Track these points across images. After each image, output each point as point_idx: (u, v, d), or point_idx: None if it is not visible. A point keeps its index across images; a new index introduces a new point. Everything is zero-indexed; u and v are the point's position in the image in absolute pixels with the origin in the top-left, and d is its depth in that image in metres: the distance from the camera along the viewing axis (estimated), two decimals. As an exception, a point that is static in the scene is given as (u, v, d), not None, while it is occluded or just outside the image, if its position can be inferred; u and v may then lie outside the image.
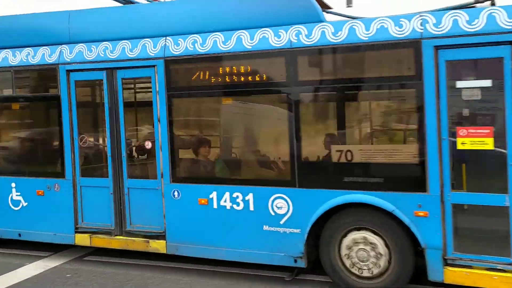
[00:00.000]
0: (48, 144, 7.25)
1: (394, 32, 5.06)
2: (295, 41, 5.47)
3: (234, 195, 5.80)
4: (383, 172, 5.19)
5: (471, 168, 4.91)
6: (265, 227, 5.70)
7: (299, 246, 5.54)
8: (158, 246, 6.27)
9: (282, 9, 5.72)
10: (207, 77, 5.95)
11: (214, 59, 5.86)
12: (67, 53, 6.68)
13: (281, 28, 5.58)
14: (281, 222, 5.62)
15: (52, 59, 6.75)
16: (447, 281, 4.99)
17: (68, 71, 6.66)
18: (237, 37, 5.75)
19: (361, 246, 5.32)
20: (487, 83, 4.77)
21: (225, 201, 5.85)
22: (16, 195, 7.07)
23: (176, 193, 6.11)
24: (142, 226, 6.42)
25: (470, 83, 4.84)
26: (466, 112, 4.91)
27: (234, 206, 5.81)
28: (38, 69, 6.90)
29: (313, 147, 5.63)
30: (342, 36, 5.27)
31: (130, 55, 6.30)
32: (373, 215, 5.27)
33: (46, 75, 6.98)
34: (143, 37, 6.29)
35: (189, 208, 6.05)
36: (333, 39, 5.31)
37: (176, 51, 6.04)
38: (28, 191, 6.98)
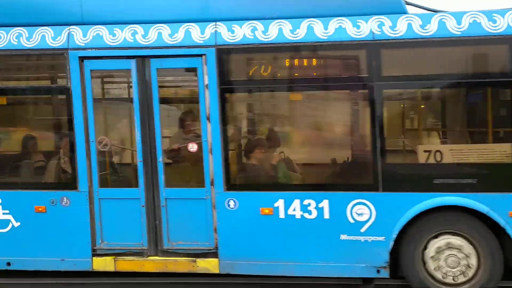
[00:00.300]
0: (51, 148, 5.84)
1: (488, 28, 4.88)
2: (378, 33, 5.02)
3: (305, 202, 5.16)
4: (477, 173, 4.99)
5: None
6: (343, 237, 5.16)
7: (383, 255, 5.11)
8: (208, 265, 5.36)
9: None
10: (269, 70, 5.22)
11: (279, 49, 5.16)
12: (79, 36, 5.42)
13: (359, 18, 5.10)
14: (362, 230, 5.13)
15: (57, 43, 5.42)
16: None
17: (82, 58, 5.41)
18: (308, 25, 5.13)
19: (448, 252, 5.07)
20: None
21: (294, 210, 5.19)
22: (3, 214, 5.58)
23: (232, 202, 5.27)
24: (184, 243, 5.44)
25: None
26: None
27: (306, 215, 5.18)
28: (36, 55, 5.51)
29: (398, 148, 5.23)
30: (431, 30, 4.96)
31: (169, 42, 5.29)
32: (460, 218, 5.05)
33: (48, 62, 5.62)
34: (180, 21, 5.33)
35: (249, 219, 5.26)
36: (421, 32, 4.97)
37: (231, 39, 5.20)
38: (22, 207, 5.54)
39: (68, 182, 5.49)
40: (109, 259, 5.49)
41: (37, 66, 5.77)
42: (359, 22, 5.07)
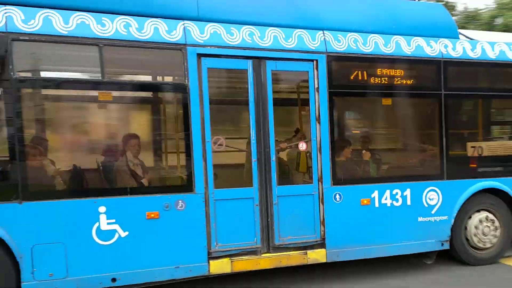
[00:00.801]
0: (166, 148, 5.31)
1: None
2: (445, 52, 6.27)
3: (394, 192, 6.06)
4: (500, 163, 6.63)
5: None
6: (420, 219, 6.23)
7: (447, 230, 6.36)
8: (317, 256, 5.77)
9: (430, 23, 6.36)
10: (366, 77, 5.96)
11: (376, 60, 5.96)
12: (196, 32, 5.22)
13: (431, 39, 6.25)
14: (433, 212, 6.29)
15: (174, 38, 5.11)
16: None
17: (200, 55, 5.22)
18: (396, 41, 6.05)
19: (485, 223, 6.62)
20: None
21: (385, 199, 6.03)
22: (108, 224, 4.93)
23: (338, 196, 5.81)
24: (293, 237, 5.73)
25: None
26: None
27: (394, 202, 6.08)
28: (150, 48, 5.05)
29: (456, 145, 6.52)
30: (478, 53, 6.44)
31: (285, 45, 5.55)
32: (490, 198, 6.65)
33: (162, 58, 5.18)
34: (292, 27, 5.67)
35: (351, 210, 5.89)
36: (470, 54, 6.41)
37: (339, 48, 5.78)
38: (131, 215, 5.00)
39: (184, 185, 5.20)
40: (225, 260, 5.40)
41: (151, 60, 5.25)
42: (431, 42, 6.23)
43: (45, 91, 5.14)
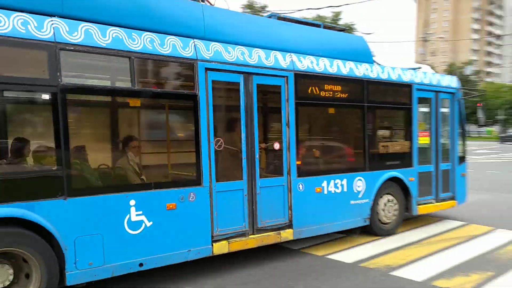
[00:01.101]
0: (180, 148, 5.98)
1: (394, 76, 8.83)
2: (367, 74, 8.16)
3: (336, 181, 7.74)
4: (398, 158, 8.80)
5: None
6: (352, 202, 8.02)
7: (368, 210, 8.28)
8: (287, 235, 7.11)
9: (355, 51, 8.19)
10: (317, 91, 7.51)
11: (325, 78, 7.55)
12: (203, 50, 6.16)
13: (358, 63, 8.09)
14: (359, 196, 8.14)
15: (188, 53, 5.99)
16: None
17: (207, 70, 6.17)
18: (337, 64, 7.75)
19: (389, 204, 8.71)
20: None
21: (331, 187, 7.68)
22: (136, 215, 5.58)
23: (301, 186, 7.25)
24: (270, 221, 6.99)
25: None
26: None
27: (336, 190, 7.75)
28: (169, 62, 5.83)
29: (373, 145, 8.43)
30: (385, 75, 8.50)
31: (266, 64, 6.79)
32: (393, 184, 8.77)
33: (178, 70, 5.94)
34: (270, 49, 6.95)
35: (309, 197, 7.38)
36: (381, 76, 8.43)
37: (302, 67, 7.22)
38: (155, 206, 5.72)
39: (194, 179, 6.08)
40: (224, 243, 6.42)
41: (164, 72, 5.95)
42: (358, 65, 8.07)
43: (86, 97, 5.53)
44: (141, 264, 5.66)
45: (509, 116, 68.73)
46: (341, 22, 39.65)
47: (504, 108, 67.69)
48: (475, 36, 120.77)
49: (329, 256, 7.35)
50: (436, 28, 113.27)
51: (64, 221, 5.08)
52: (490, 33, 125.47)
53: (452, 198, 9.68)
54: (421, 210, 9.02)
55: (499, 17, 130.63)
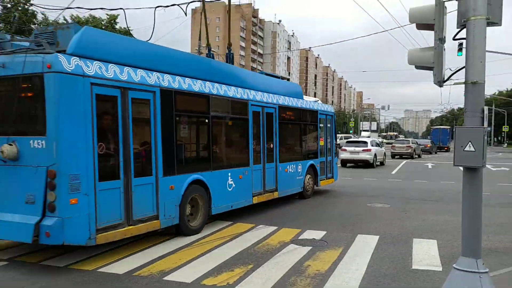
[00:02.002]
0: (242, 147, 11.02)
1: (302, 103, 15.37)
2: (293, 104, 14.28)
3: (289, 167, 13.70)
4: (314, 153, 15.17)
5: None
6: (297, 177, 13.92)
7: (302, 183, 14.00)
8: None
9: (288, 90, 14.16)
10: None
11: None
12: (250, 94, 11.45)
13: (292, 98, 14.23)
14: (299, 174, 14.04)
15: (245, 96, 11.19)
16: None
17: (251, 105, 11.50)
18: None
19: (310, 179, 14.90)
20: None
21: (229, 182, 13.61)
22: (231, 181, 10.63)
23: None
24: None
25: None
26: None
27: (291, 171, 13.66)
28: (232, 100, 10.59)
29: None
30: (304, 104, 14.82)
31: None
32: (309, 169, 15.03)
33: (238, 105, 10.84)
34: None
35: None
36: (302, 105, 14.65)
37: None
38: (236, 177, 10.81)
39: (247, 163, 11.27)
40: (256, 197, 11.58)
41: (233, 106, 10.62)
42: (293, 99, 14.25)
43: (216, 119, 10.10)
44: (231, 206, 10.55)
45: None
46: (117, 26, 39.04)
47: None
48: (243, 53, 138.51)
49: (101, 270, 6.61)
50: (210, 42, 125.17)
51: (211, 182, 9.65)
52: (253, 51, 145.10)
53: (332, 177, 16.19)
54: (322, 183, 15.22)
55: (261, 38, 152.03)
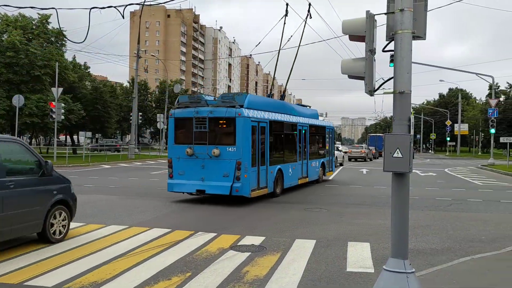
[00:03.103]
0: (294, 150, 17.06)
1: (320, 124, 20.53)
2: (313, 123, 19.64)
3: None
4: (322, 155, 21.04)
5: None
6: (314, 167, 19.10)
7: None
8: None
9: (312, 114, 20.36)
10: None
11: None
12: (298, 119, 17.63)
13: (313, 119, 20.10)
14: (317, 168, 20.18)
15: (295, 121, 17.24)
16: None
17: (297, 125, 17.35)
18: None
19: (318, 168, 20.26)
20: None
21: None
22: (290, 170, 16.25)
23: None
24: None
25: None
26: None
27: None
28: (291, 124, 16.93)
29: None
30: (320, 123, 21.07)
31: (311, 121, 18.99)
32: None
33: (292, 126, 17.03)
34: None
35: None
36: (318, 123, 20.58)
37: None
38: (292, 167, 16.57)
39: (296, 160, 17.34)
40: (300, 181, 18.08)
41: (292, 127, 17.21)
42: (315, 120, 20.38)
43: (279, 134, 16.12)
44: (290, 184, 16.21)
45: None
46: (50, 27, 40.05)
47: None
48: (183, 58, 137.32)
49: (29, 283, 6.23)
50: (149, 46, 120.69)
51: (284, 170, 15.69)
52: (194, 57, 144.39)
53: (331, 171, 22.04)
54: (328, 174, 21.32)
55: (202, 44, 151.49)
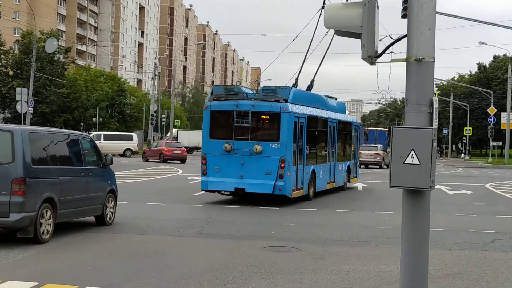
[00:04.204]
0: (324, 151, 14.65)
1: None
2: (342, 118, 16.58)
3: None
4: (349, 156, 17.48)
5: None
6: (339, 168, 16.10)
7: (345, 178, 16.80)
8: None
9: (340, 108, 17.14)
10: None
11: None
12: (329, 114, 14.83)
13: (342, 114, 17.15)
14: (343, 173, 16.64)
15: (326, 116, 14.51)
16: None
17: (328, 121, 14.74)
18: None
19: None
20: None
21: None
22: (321, 172, 13.82)
23: None
24: None
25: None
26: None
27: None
28: (321, 119, 14.26)
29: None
30: (347, 118, 18.05)
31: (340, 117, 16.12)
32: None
33: (323, 123, 14.55)
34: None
35: None
36: (346, 119, 17.44)
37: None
38: (321, 169, 13.93)
39: (326, 161, 14.74)
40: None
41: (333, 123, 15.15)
42: (343, 115, 17.49)
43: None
44: (320, 189, 13.68)
45: (107, 117, 51.91)
46: None
47: (103, 105, 50.95)
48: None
49: None
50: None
51: (317, 171, 13.27)
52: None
53: (356, 177, 17.96)
54: (352, 181, 17.30)
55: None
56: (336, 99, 17.98)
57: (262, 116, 12.32)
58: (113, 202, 9.08)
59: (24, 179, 6.77)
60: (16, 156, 6.82)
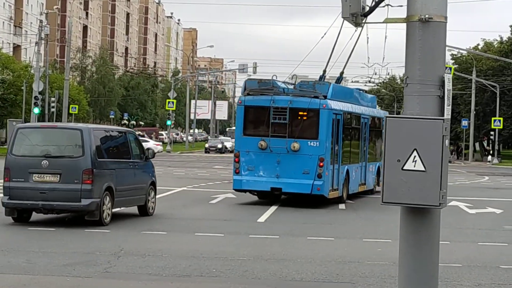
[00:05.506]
0: (357, 151, 13.72)
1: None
2: (373, 114, 15.39)
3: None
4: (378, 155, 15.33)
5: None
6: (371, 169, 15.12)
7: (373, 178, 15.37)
8: None
9: (371, 102, 16.12)
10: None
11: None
12: (362, 110, 14.03)
13: (374, 109, 16.17)
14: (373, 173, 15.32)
15: (359, 112, 13.80)
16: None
17: (362, 117, 14.04)
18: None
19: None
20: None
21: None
22: (354, 173, 13.00)
23: None
24: None
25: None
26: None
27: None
28: (355, 116, 13.57)
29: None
30: (380, 113, 16.76)
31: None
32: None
33: (356, 120, 13.93)
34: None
35: None
36: (379, 114, 16.11)
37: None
38: (354, 170, 13.05)
39: (358, 161, 13.88)
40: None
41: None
42: (374, 110, 16.16)
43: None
44: (352, 191, 12.91)
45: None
46: None
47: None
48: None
49: None
50: None
51: (350, 171, 12.55)
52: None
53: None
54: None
55: None
56: (364, 91, 17.72)
57: (300, 113, 11.80)
58: (153, 194, 9.76)
59: (92, 170, 7.90)
60: (85, 150, 8.01)
